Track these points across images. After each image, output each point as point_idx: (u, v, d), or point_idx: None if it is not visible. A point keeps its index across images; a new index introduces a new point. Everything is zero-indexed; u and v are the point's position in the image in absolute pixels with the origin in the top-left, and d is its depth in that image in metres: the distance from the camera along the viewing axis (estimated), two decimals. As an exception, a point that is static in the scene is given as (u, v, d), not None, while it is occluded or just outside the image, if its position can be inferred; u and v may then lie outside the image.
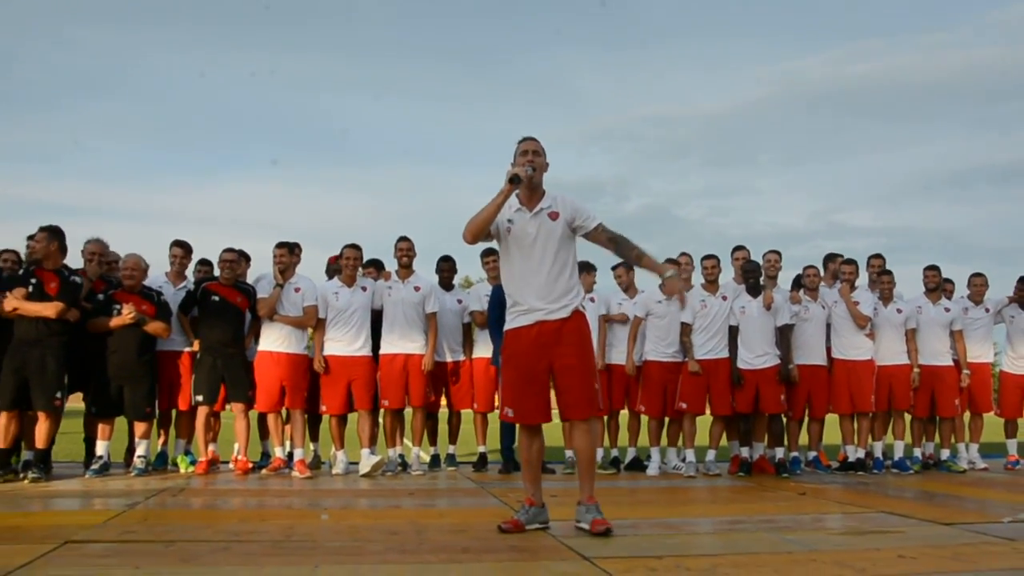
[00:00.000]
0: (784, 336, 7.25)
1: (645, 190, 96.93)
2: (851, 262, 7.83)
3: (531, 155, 4.28)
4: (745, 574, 3.35)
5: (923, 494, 6.29)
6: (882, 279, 7.78)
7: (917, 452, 7.94)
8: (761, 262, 7.50)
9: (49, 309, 6.17)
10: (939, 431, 8.01)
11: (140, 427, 6.72)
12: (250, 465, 7.02)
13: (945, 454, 7.96)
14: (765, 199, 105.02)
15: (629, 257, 4.46)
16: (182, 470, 6.95)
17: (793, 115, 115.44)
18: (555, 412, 4.37)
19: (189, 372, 6.94)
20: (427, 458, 7.57)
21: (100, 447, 6.62)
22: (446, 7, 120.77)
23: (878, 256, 8.22)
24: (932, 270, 8.05)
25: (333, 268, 7.38)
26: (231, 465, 7.14)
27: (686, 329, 7.26)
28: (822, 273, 7.82)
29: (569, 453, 7.32)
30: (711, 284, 7.36)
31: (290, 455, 7.00)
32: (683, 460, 7.45)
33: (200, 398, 6.80)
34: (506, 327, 4.35)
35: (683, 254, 7.62)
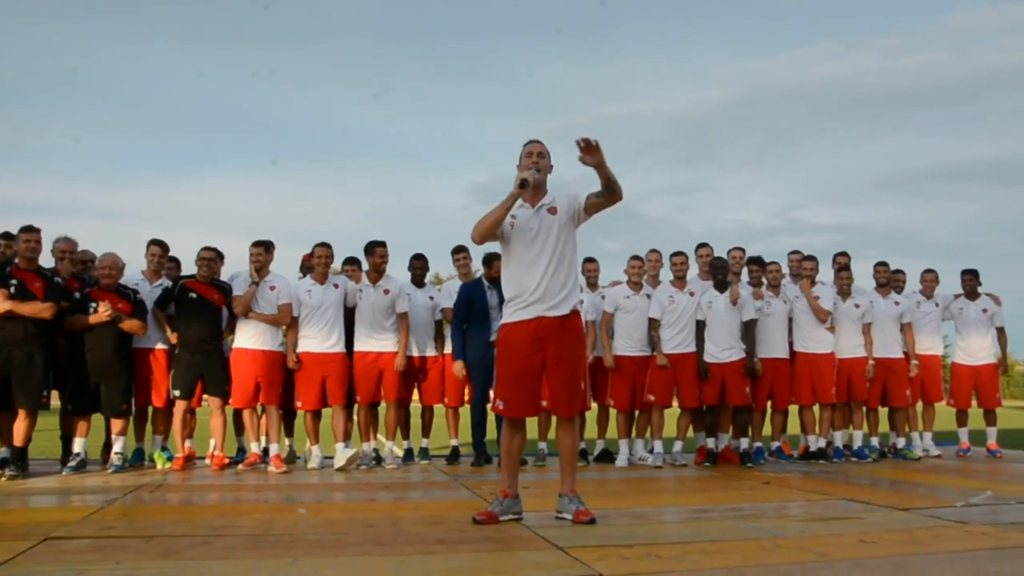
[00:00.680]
0: (749, 331, 7.42)
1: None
2: (811, 258, 8.04)
3: (536, 157, 4.40)
4: (713, 560, 3.46)
5: (881, 481, 6.48)
6: (841, 275, 8.00)
7: (874, 441, 8.17)
8: (727, 258, 7.66)
9: (46, 310, 6.16)
10: (893, 421, 8.24)
11: (117, 424, 6.71)
12: (226, 461, 7.05)
13: (901, 443, 8.20)
14: (727, 197, 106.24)
15: (604, 187, 4.28)
16: (159, 466, 6.96)
17: (754, 115, 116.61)
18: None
19: (165, 369, 6.95)
20: (401, 452, 7.64)
21: (77, 444, 6.61)
22: (412, 1, 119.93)
23: (843, 254, 8.44)
24: (882, 266, 8.30)
25: (306, 266, 7.43)
26: (208, 461, 7.18)
27: (654, 324, 7.40)
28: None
29: (542, 445, 7.45)
30: (679, 280, 7.51)
31: (266, 450, 7.04)
32: (650, 451, 7.61)
33: (177, 392, 6.82)
34: (504, 320, 4.43)
35: (652, 251, 7.74)
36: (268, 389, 6.94)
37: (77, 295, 6.61)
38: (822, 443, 7.82)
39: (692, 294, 7.44)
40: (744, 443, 7.49)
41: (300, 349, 7.04)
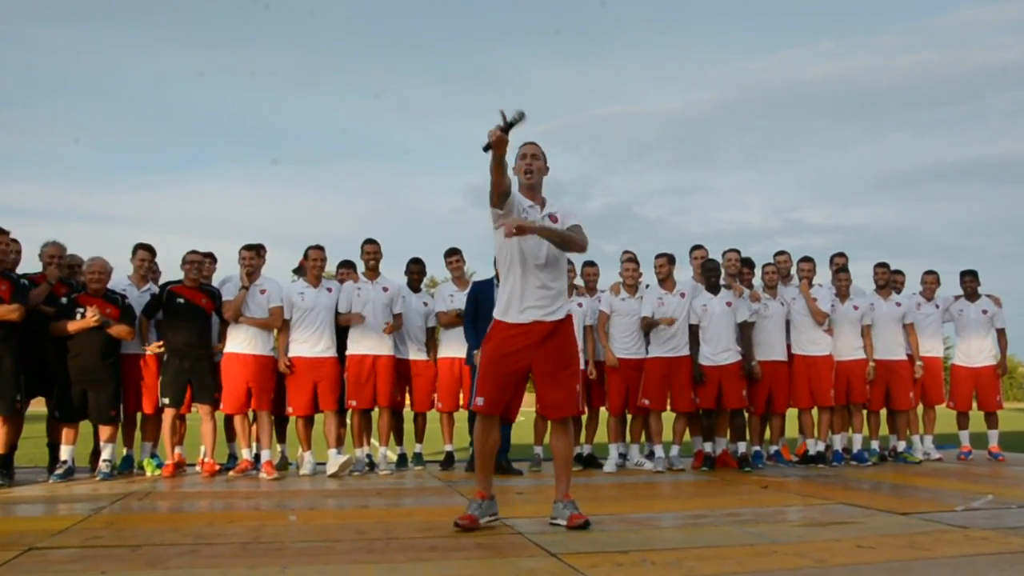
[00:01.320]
0: (745, 333, 7.36)
1: (607, 189, 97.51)
2: (808, 259, 7.99)
3: (530, 159, 4.42)
4: (709, 567, 3.41)
5: (880, 485, 6.44)
6: (839, 276, 7.95)
7: (874, 445, 8.12)
8: (721, 261, 7.61)
9: (13, 312, 6.07)
10: (894, 423, 8.19)
11: (105, 431, 6.64)
12: (217, 467, 6.98)
13: (902, 446, 8.15)
14: (724, 197, 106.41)
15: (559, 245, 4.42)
16: (148, 473, 6.88)
17: (751, 115, 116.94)
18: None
19: (155, 375, 6.88)
20: (394, 457, 7.58)
21: (64, 452, 6.52)
22: (405, 2, 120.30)
23: (841, 255, 8.40)
24: (882, 267, 8.25)
25: (299, 270, 7.38)
26: (198, 467, 7.10)
27: (645, 321, 7.33)
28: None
29: (538, 450, 7.38)
30: (666, 281, 7.44)
31: (257, 456, 6.98)
32: (647, 456, 7.55)
33: (167, 400, 6.75)
34: (500, 317, 4.38)
35: (629, 260, 7.58)
36: (260, 394, 6.87)
37: (64, 300, 6.55)
38: (821, 447, 7.77)
39: (683, 295, 7.38)
40: (742, 447, 7.43)
41: (291, 354, 6.97)
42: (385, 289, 7.17)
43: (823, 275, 8.16)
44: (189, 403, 6.92)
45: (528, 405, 4.80)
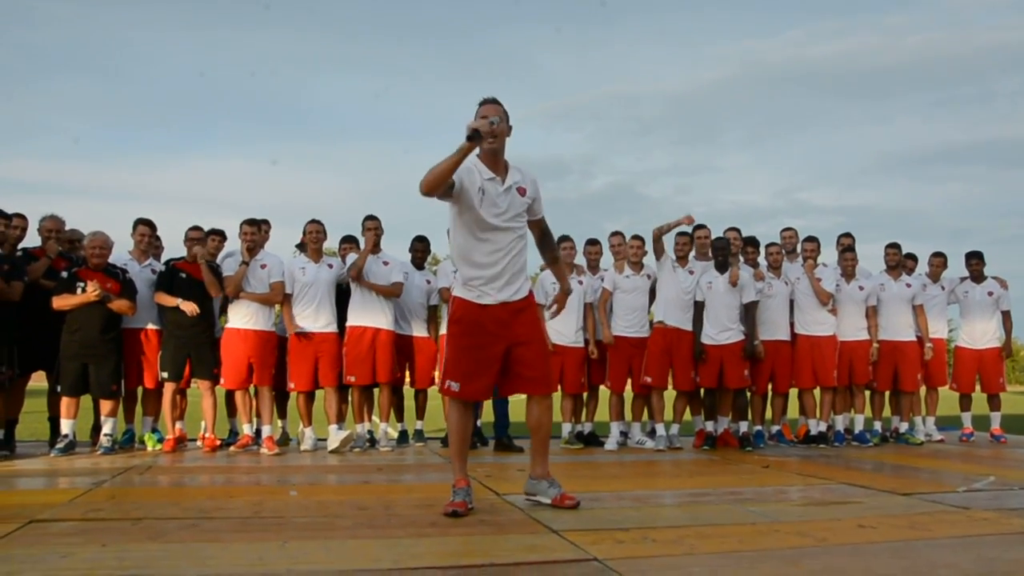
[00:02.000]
0: (750, 313, 7.33)
1: (610, 168, 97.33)
2: (813, 239, 7.96)
3: (490, 121, 4.09)
4: (710, 545, 3.40)
5: (882, 466, 6.43)
6: (845, 256, 7.90)
7: (877, 425, 8.11)
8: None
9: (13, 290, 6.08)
10: (899, 404, 8.18)
11: (106, 405, 6.65)
12: (218, 442, 6.99)
13: (904, 427, 8.15)
14: (729, 177, 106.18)
15: (546, 256, 4.59)
16: (149, 448, 6.90)
17: (755, 95, 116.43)
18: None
19: (156, 349, 6.88)
20: (395, 434, 7.58)
21: (65, 426, 6.53)
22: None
23: (847, 235, 8.35)
24: (893, 248, 8.21)
25: (301, 245, 7.36)
26: (199, 443, 7.12)
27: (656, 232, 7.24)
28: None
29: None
30: (680, 259, 7.42)
31: (258, 432, 6.99)
32: (648, 434, 7.55)
33: (166, 375, 6.75)
34: (460, 295, 4.21)
35: (635, 237, 7.56)
36: (261, 370, 6.87)
37: (65, 274, 6.53)
38: (823, 427, 7.76)
39: (692, 273, 7.35)
40: (743, 426, 7.43)
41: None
42: (386, 263, 7.14)
43: (829, 256, 8.13)
44: (188, 378, 6.92)
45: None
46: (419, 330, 7.47)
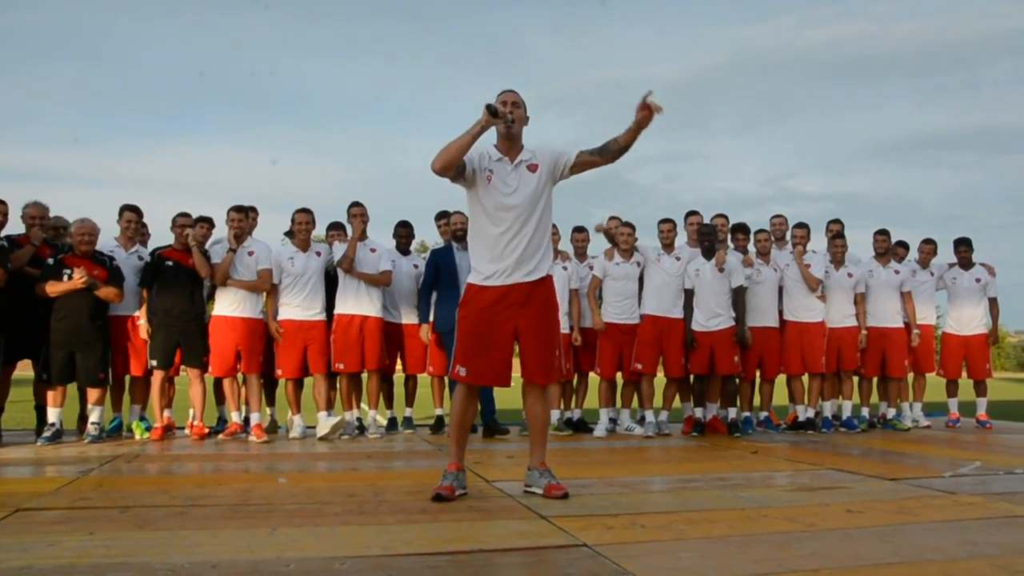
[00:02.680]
0: (739, 298, 7.34)
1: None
2: (802, 225, 7.98)
3: (510, 106, 4.11)
4: (699, 530, 3.41)
5: (869, 451, 6.46)
6: (835, 243, 7.92)
7: (864, 411, 8.15)
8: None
9: None
10: (887, 390, 8.23)
11: (93, 393, 6.60)
12: (206, 430, 6.96)
13: (891, 413, 8.19)
14: (717, 165, 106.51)
15: (614, 149, 4.14)
16: (137, 436, 6.86)
17: (745, 81, 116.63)
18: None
19: (143, 338, 6.83)
20: (384, 421, 7.57)
21: (52, 414, 6.48)
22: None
23: (836, 221, 8.36)
24: (882, 234, 8.23)
25: (289, 233, 7.31)
26: (187, 431, 7.08)
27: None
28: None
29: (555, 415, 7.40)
30: (667, 247, 7.42)
31: (246, 419, 6.97)
32: (638, 421, 7.56)
33: (155, 363, 6.71)
34: (473, 281, 4.17)
35: (625, 224, 7.55)
36: (249, 357, 6.84)
37: (50, 261, 6.47)
38: (811, 413, 7.80)
39: (678, 259, 7.35)
40: (732, 413, 7.45)
41: (281, 317, 6.93)
42: (373, 250, 7.11)
43: (819, 242, 8.15)
44: (178, 366, 6.89)
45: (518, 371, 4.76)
46: (409, 317, 7.44)
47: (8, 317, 6.24)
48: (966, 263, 8.43)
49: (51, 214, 6.95)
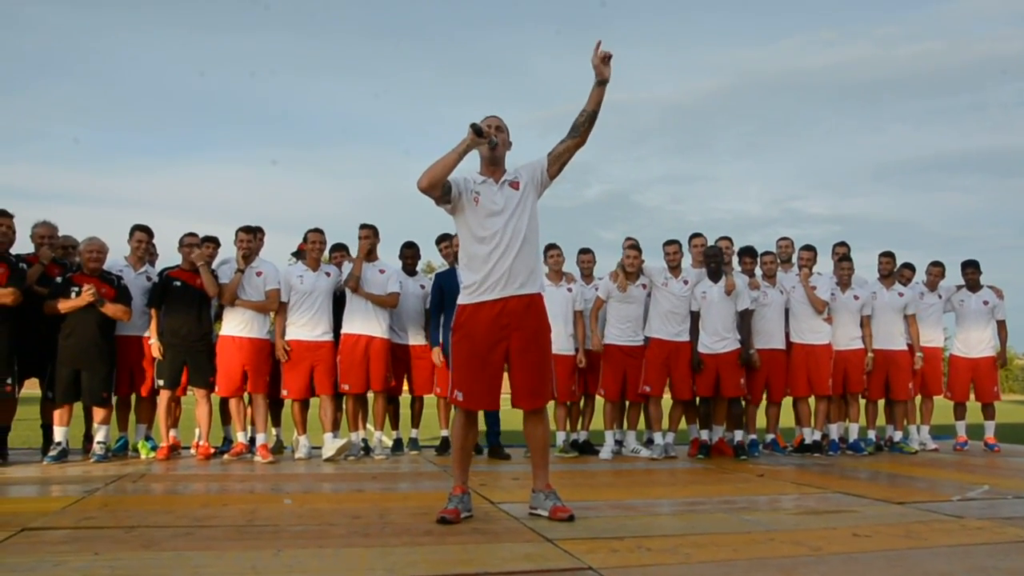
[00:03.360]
0: (745, 321, 7.33)
1: (605, 176, 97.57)
2: (809, 248, 7.97)
3: (494, 129, 4.17)
4: (705, 554, 3.40)
5: (876, 475, 6.43)
6: (841, 265, 7.92)
7: (871, 434, 8.12)
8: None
9: (7, 296, 6.05)
10: (892, 414, 8.19)
11: (99, 413, 6.62)
12: (212, 450, 6.96)
13: (898, 436, 8.15)
14: (723, 186, 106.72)
15: (582, 122, 4.18)
16: (143, 456, 6.87)
17: (750, 104, 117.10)
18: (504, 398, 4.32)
19: (150, 357, 6.85)
20: (390, 442, 7.56)
21: (58, 433, 6.50)
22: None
23: (843, 244, 8.37)
24: (886, 257, 8.23)
25: (298, 254, 7.35)
26: (192, 450, 7.09)
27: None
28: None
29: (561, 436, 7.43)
30: (674, 269, 7.41)
31: (252, 440, 6.96)
32: (645, 443, 7.54)
33: (162, 382, 6.73)
34: (464, 301, 4.17)
35: (632, 246, 7.49)
36: (255, 377, 6.85)
37: (59, 280, 6.51)
38: (817, 436, 7.76)
39: (686, 283, 7.35)
40: (738, 435, 7.43)
41: (288, 337, 6.95)
42: (382, 271, 7.13)
43: (825, 264, 8.15)
44: (184, 386, 6.90)
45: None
46: (416, 338, 7.46)
47: (18, 337, 6.27)
48: (974, 285, 8.42)
49: (59, 233, 7.00)
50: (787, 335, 7.73)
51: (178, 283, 6.80)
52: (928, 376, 8.29)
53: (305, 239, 7.14)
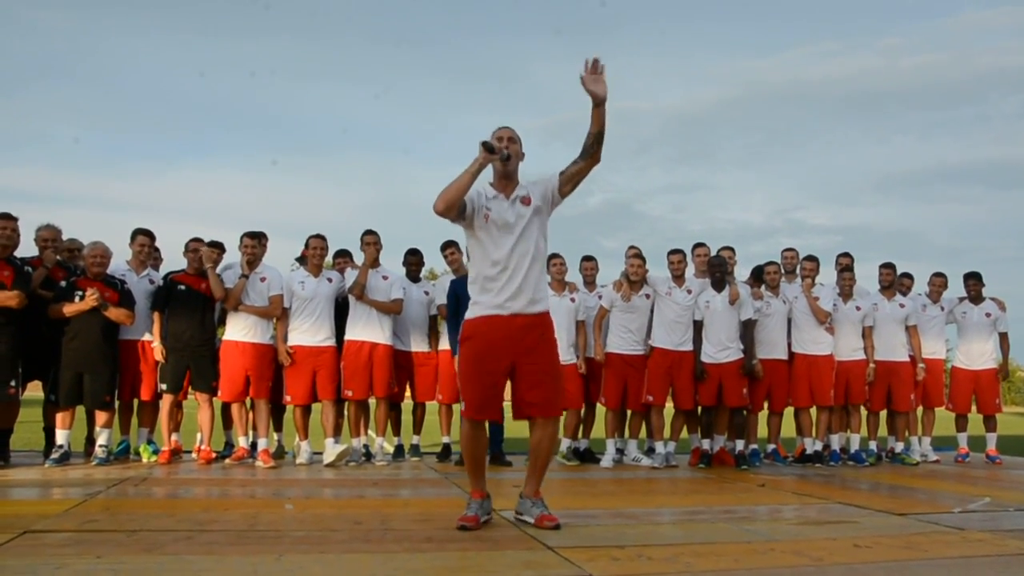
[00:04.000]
0: (748, 331, 7.34)
1: (608, 185, 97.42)
2: (812, 258, 7.97)
3: (506, 142, 4.17)
4: (706, 563, 3.40)
5: (878, 486, 6.43)
6: (843, 276, 7.93)
7: (872, 445, 8.11)
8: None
9: (13, 299, 6.07)
10: (894, 425, 8.19)
11: (101, 416, 6.62)
12: (213, 455, 6.97)
13: (899, 447, 8.14)
14: (726, 196, 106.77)
15: (590, 144, 4.14)
16: (144, 460, 6.88)
17: (753, 114, 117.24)
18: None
19: (153, 361, 6.85)
20: (391, 448, 7.57)
21: (60, 436, 6.51)
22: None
23: (846, 255, 8.37)
24: (887, 268, 8.24)
25: (301, 258, 7.37)
26: (194, 455, 7.09)
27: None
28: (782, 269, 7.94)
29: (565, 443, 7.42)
30: (678, 279, 7.42)
31: (254, 445, 6.97)
32: (645, 452, 7.54)
33: (164, 386, 6.74)
34: (473, 314, 4.19)
35: (636, 255, 7.54)
36: (257, 383, 6.86)
37: (63, 284, 6.53)
38: (818, 446, 7.76)
39: (690, 292, 7.36)
40: (740, 445, 7.42)
41: (291, 342, 6.96)
42: (385, 278, 7.15)
43: (828, 275, 8.15)
44: (186, 390, 6.92)
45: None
46: (419, 345, 7.47)
47: (22, 340, 6.28)
48: (976, 297, 8.42)
49: (64, 236, 7.02)
50: (789, 345, 7.73)
51: (182, 287, 6.82)
52: (929, 388, 8.28)
53: (307, 245, 7.15)
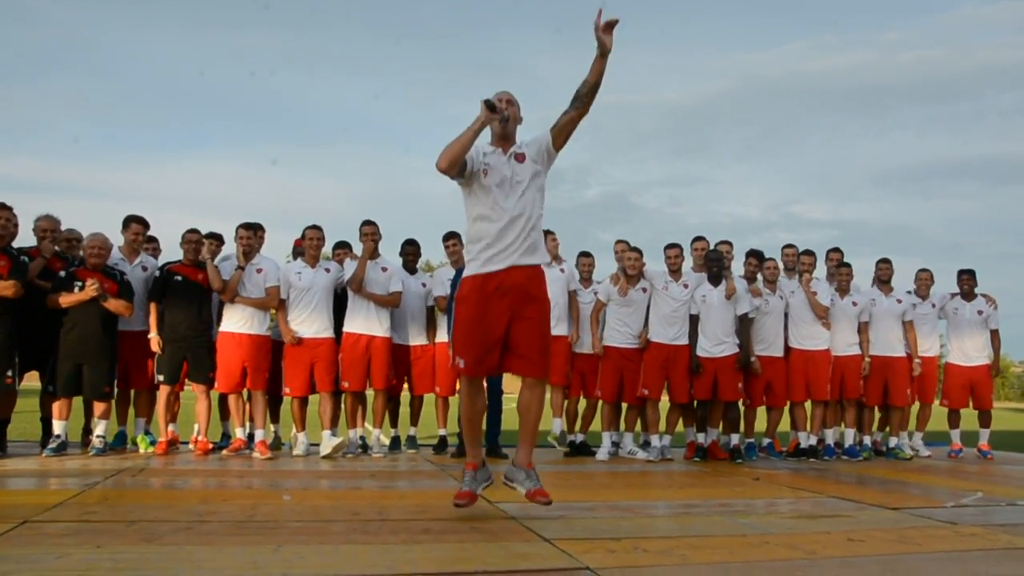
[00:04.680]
0: (744, 326, 7.36)
1: (605, 178, 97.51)
2: (809, 253, 7.99)
3: (505, 104, 4.20)
4: (701, 556, 3.43)
5: (871, 480, 6.46)
6: (840, 271, 7.95)
7: (867, 440, 8.16)
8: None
9: (8, 288, 6.06)
10: (889, 420, 8.23)
11: (99, 407, 6.64)
12: (210, 446, 6.99)
13: (894, 442, 8.19)
14: (723, 190, 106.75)
15: (584, 92, 4.16)
16: (142, 450, 6.89)
17: (751, 107, 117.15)
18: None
19: (150, 353, 6.87)
20: (387, 440, 7.59)
21: (57, 426, 6.52)
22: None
23: (836, 250, 8.40)
24: (885, 263, 8.27)
25: (298, 251, 7.37)
26: (191, 445, 7.11)
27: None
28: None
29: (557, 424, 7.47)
30: (674, 273, 7.44)
31: (251, 436, 6.99)
32: (641, 445, 7.57)
33: (162, 377, 6.75)
34: (470, 272, 4.19)
35: (633, 249, 7.55)
36: (254, 374, 6.87)
37: (62, 274, 6.52)
38: (813, 440, 7.80)
39: (686, 286, 7.38)
40: (735, 439, 7.46)
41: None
42: (384, 269, 7.16)
43: (818, 270, 8.16)
44: (183, 381, 6.93)
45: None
46: (416, 338, 7.48)
47: (18, 330, 6.29)
48: (968, 294, 8.45)
49: (62, 227, 7.00)
50: (786, 340, 7.75)
51: (179, 278, 6.82)
52: (923, 383, 8.33)
53: (303, 236, 7.16)
